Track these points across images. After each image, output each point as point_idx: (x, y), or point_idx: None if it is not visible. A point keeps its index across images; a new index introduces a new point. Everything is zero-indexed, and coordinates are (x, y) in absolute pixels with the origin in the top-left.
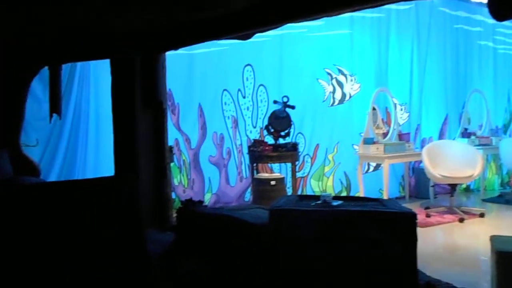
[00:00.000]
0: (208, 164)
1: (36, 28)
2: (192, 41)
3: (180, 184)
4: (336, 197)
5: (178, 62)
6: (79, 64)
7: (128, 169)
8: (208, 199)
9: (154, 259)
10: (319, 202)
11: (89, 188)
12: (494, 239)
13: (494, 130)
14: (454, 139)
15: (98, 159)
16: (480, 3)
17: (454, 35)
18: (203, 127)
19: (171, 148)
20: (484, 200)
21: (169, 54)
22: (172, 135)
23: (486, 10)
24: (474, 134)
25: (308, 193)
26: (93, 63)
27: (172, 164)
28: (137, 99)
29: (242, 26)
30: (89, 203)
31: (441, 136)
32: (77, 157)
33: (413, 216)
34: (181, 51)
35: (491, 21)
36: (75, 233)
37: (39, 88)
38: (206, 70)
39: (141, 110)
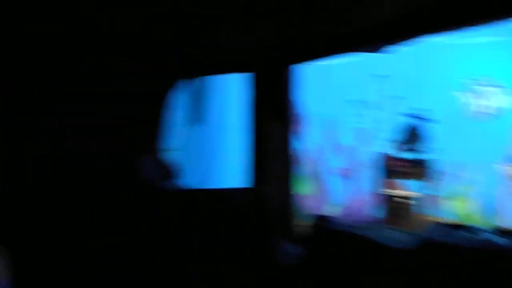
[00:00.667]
0: (333, 175)
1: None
2: (328, 54)
3: (304, 194)
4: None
5: (309, 72)
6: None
7: (258, 180)
8: (332, 211)
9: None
10: (475, 236)
11: (223, 198)
12: None
13: None
14: None
15: (230, 165)
16: None
17: None
18: (331, 139)
19: (297, 158)
20: None
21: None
22: (299, 145)
23: None
24: None
25: (446, 215)
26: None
27: (297, 174)
28: (271, 110)
29: (388, 37)
30: (222, 212)
31: None
32: (213, 163)
33: None
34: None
35: None
36: (207, 241)
37: (182, 94)
38: (338, 80)
39: (274, 121)
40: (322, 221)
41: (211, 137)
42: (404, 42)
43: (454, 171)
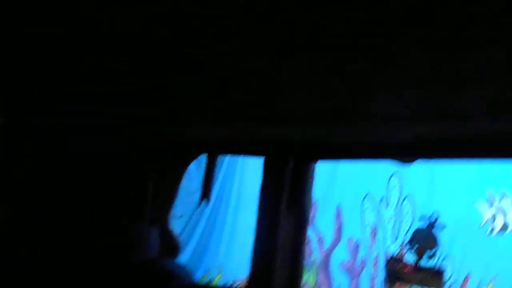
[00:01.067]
0: (339, 270)
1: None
2: (353, 157)
3: (306, 285)
4: None
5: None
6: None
7: (266, 272)
8: None
9: None
10: None
11: None
12: None
13: None
14: None
15: (232, 244)
16: None
17: None
18: (339, 230)
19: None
20: None
21: None
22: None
23: None
24: None
25: None
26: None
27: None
28: (283, 202)
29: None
30: None
31: None
32: (212, 239)
33: None
34: None
35: None
36: None
37: (193, 164)
38: (350, 171)
39: (285, 212)
40: None
41: (216, 212)
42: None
43: (465, 283)
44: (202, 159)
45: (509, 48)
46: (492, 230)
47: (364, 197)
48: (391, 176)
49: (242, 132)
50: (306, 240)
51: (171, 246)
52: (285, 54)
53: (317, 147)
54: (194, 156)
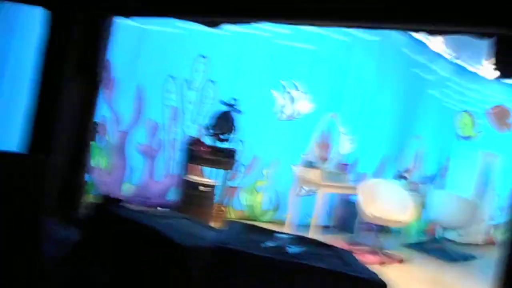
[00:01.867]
0: (135, 152)
1: None
2: (152, 14)
3: (98, 166)
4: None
5: (125, 32)
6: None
7: (41, 145)
8: (126, 189)
9: (50, 264)
10: (271, 244)
11: None
12: None
13: (425, 178)
14: (387, 179)
15: (7, 119)
16: (438, 54)
17: (409, 78)
18: (138, 111)
19: (95, 124)
20: (403, 245)
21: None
22: (99, 111)
23: (442, 61)
24: (406, 178)
25: (236, 205)
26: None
27: (92, 143)
28: (69, 63)
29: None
30: None
31: (376, 174)
32: None
33: (385, 287)
34: (131, 22)
35: (444, 73)
36: None
37: None
38: (155, 50)
39: (71, 76)
40: (107, 202)
41: None
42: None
43: (252, 164)
44: None
45: None
46: (281, 116)
47: (167, 78)
48: (196, 59)
49: None
50: (97, 113)
51: None
52: None
53: None
54: None
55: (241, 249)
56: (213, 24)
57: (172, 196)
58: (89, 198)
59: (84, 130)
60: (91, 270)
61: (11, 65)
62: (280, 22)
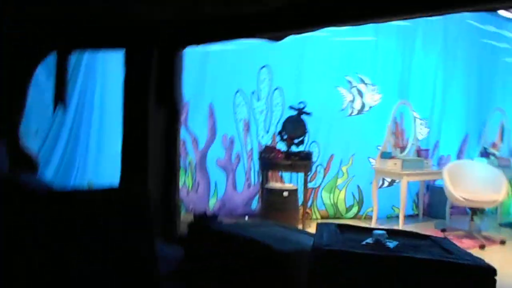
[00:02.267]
0: (215, 167)
1: (43, 9)
2: (221, 38)
3: (184, 186)
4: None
5: (190, 58)
6: (86, 52)
7: (138, 174)
8: (212, 204)
9: (162, 279)
10: (369, 241)
11: (96, 201)
12: None
13: None
14: (473, 159)
15: (100, 154)
16: (509, 19)
17: (481, 50)
18: (213, 129)
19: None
20: (501, 225)
21: None
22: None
23: None
24: (494, 154)
25: (319, 205)
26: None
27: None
28: (151, 95)
29: (279, 26)
30: (95, 217)
31: (459, 155)
32: (78, 151)
33: (493, 272)
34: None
35: None
36: (77, 252)
37: (43, 74)
38: (220, 69)
39: (154, 108)
40: (204, 219)
41: (79, 121)
42: (291, 32)
43: (330, 163)
44: (52, 64)
45: None
46: (352, 112)
47: (235, 93)
48: (260, 70)
49: (95, 21)
50: (180, 138)
51: (26, 162)
52: None
53: (181, 32)
54: (40, 55)
55: (344, 249)
56: (278, 38)
57: (256, 204)
58: (184, 216)
59: (172, 155)
60: (199, 284)
61: (96, 104)
62: (345, 25)
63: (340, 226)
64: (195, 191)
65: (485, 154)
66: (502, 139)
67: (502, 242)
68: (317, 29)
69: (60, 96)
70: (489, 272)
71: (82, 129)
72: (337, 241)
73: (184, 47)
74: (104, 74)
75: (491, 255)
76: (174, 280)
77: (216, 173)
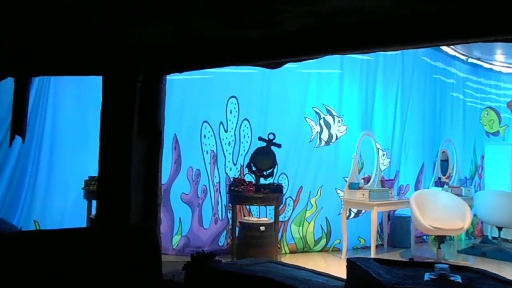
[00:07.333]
0: (180, 202)
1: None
2: (214, 64)
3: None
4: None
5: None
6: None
7: (120, 210)
8: (176, 241)
9: None
10: (433, 275)
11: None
12: None
13: (463, 181)
14: (428, 187)
15: (50, 192)
16: (454, 56)
17: (433, 85)
18: (177, 161)
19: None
20: (459, 252)
21: None
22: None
23: (458, 63)
24: (447, 183)
25: (288, 239)
26: (53, 77)
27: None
28: (135, 124)
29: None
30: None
31: (417, 184)
32: (23, 188)
33: None
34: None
35: (462, 74)
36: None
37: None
38: (185, 98)
39: (136, 138)
40: (198, 261)
41: (25, 155)
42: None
43: (299, 195)
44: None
45: None
46: (319, 143)
47: (202, 124)
48: (228, 100)
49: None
50: (161, 169)
51: None
52: None
53: (172, 56)
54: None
55: (413, 286)
56: (275, 66)
57: (224, 241)
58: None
59: (153, 187)
60: None
61: (47, 135)
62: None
63: (380, 260)
64: (162, 229)
65: (439, 183)
66: (452, 169)
67: None
68: (323, 56)
69: (18, 128)
70: None
71: (30, 163)
72: (402, 278)
73: (169, 72)
74: (56, 100)
75: None
76: None
77: (180, 209)
